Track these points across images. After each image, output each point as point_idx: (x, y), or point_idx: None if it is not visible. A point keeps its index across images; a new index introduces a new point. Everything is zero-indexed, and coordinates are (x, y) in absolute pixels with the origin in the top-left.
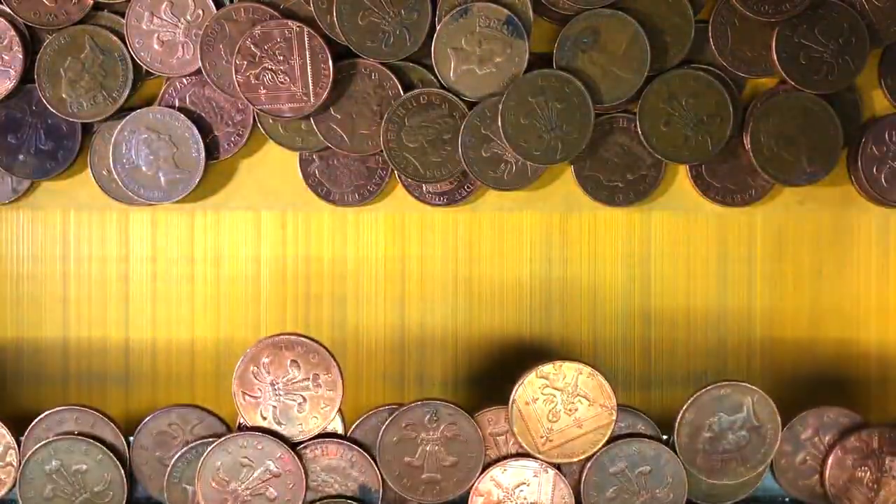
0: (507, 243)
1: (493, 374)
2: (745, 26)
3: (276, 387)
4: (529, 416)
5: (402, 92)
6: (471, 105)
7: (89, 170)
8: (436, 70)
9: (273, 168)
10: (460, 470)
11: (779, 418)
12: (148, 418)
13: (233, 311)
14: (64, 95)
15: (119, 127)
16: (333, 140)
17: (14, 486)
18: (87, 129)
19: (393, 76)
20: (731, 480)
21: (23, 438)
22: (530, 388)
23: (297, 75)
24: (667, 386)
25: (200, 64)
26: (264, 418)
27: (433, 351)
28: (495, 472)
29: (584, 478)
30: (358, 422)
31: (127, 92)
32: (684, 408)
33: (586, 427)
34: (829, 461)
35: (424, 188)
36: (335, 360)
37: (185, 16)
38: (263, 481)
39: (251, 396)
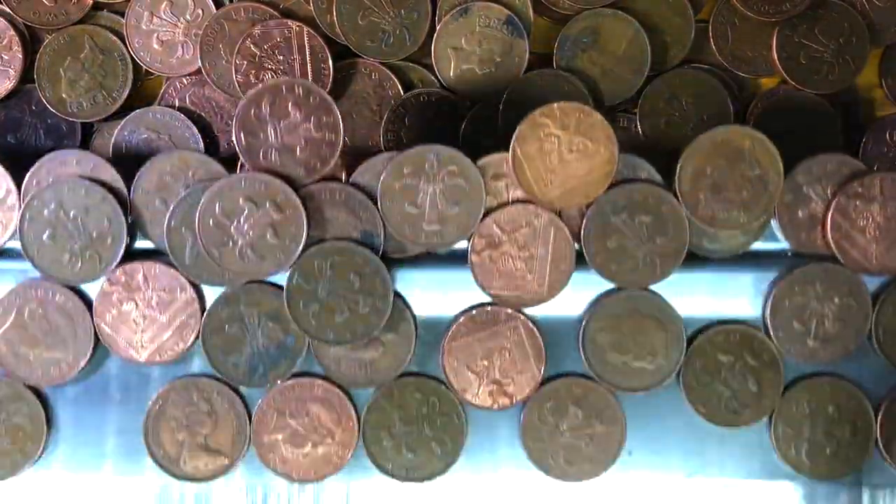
0: None
1: None
2: (745, 26)
3: (276, 129)
4: (530, 160)
5: (402, 92)
6: (471, 105)
7: None
8: (436, 70)
9: None
10: (461, 217)
11: (780, 165)
12: (149, 162)
13: None
14: (64, 95)
15: (119, 127)
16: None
17: (15, 230)
18: (87, 129)
19: (393, 76)
20: (733, 230)
21: (23, 181)
22: (531, 132)
23: (297, 75)
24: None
25: (200, 64)
26: (265, 159)
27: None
28: (496, 214)
29: (584, 224)
30: (360, 168)
31: (127, 92)
32: (684, 155)
33: (587, 171)
34: (831, 209)
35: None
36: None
37: (184, 16)
38: (265, 223)
39: (252, 137)
